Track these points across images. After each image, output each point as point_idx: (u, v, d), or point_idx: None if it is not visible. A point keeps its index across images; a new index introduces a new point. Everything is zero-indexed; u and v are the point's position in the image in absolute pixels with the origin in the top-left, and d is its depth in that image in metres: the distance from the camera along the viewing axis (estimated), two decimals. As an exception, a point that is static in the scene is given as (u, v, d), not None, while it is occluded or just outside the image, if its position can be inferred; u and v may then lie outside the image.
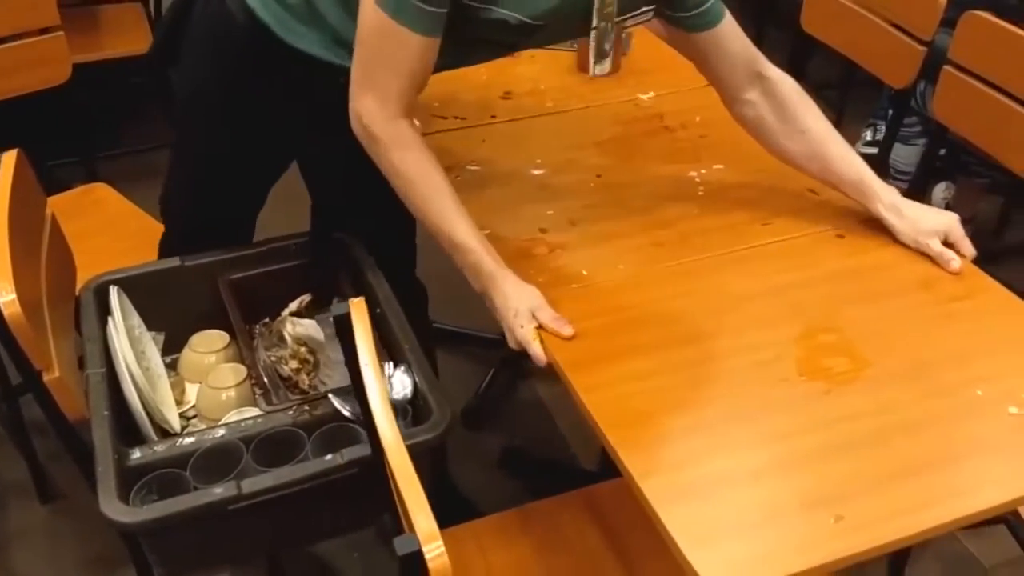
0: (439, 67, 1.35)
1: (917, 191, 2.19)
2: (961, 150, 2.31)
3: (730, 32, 1.45)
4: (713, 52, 1.45)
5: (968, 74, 1.84)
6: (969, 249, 1.39)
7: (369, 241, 1.56)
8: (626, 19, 1.36)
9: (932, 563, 1.89)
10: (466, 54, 1.41)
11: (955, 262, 1.36)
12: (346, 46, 1.31)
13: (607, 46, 1.36)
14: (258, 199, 1.64)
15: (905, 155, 2.76)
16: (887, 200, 1.42)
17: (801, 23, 2.27)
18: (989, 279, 1.36)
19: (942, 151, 2.19)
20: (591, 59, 1.38)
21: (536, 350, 1.24)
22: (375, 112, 1.27)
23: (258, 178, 1.60)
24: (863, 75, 2.20)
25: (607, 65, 1.39)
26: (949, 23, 1.91)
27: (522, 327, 1.26)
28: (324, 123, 1.44)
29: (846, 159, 1.47)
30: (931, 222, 1.40)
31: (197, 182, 1.59)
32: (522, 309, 1.27)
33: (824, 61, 2.35)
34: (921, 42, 1.96)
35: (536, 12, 1.26)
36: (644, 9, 1.36)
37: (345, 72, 1.30)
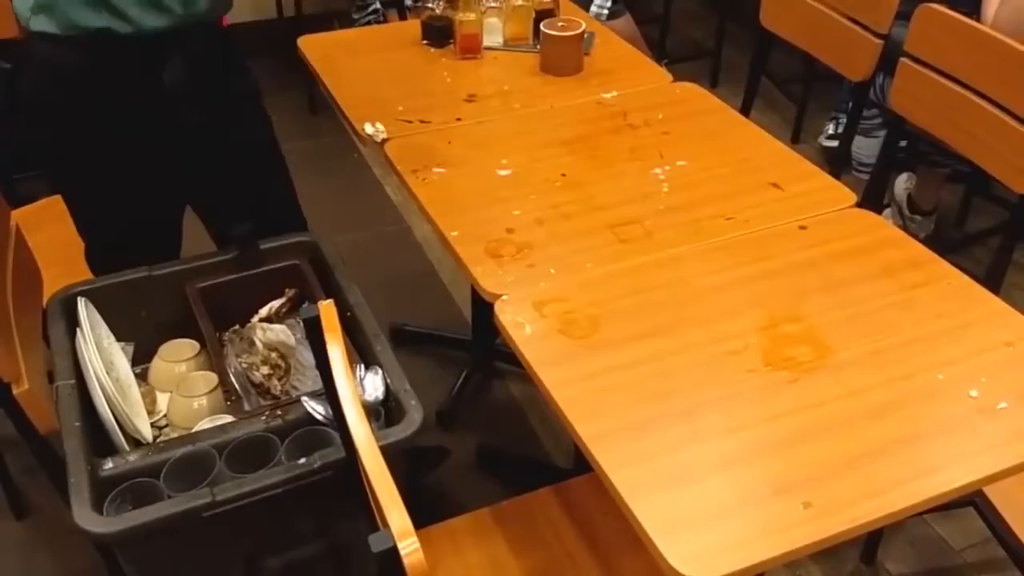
0: None
1: (879, 182, 2.21)
2: (921, 141, 2.35)
3: None
4: None
5: (924, 66, 1.87)
6: None
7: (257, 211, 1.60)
8: None
9: (903, 547, 1.92)
10: None
11: None
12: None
13: None
14: (170, 231, 1.66)
15: (867, 147, 2.80)
16: None
17: (760, 19, 2.30)
18: (949, 266, 1.39)
19: (902, 142, 2.22)
20: None
21: None
22: None
23: (157, 209, 1.62)
24: (824, 69, 2.23)
25: None
26: (905, 16, 1.94)
27: None
28: (180, 101, 1.49)
29: None
30: None
31: (108, 236, 1.62)
32: None
33: (786, 56, 2.38)
34: (878, 35, 1.99)
35: None
36: None
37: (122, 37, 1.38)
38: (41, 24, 1.43)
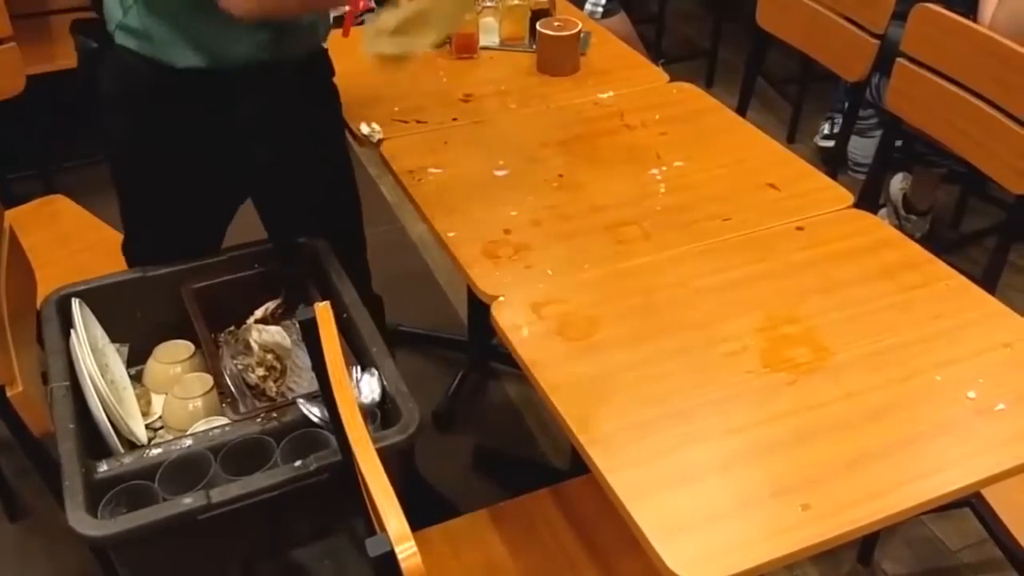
0: None
1: (875, 182, 2.21)
2: (917, 141, 2.35)
3: None
4: None
5: (920, 66, 1.87)
6: None
7: None
8: None
9: (900, 548, 1.91)
10: None
11: None
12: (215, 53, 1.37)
13: None
14: (218, 231, 1.63)
15: (862, 147, 2.80)
16: None
17: (757, 19, 2.29)
18: (946, 267, 1.39)
19: (898, 142, 2.22)
20: None
21: None
22: None
23: (211, 216, 1.60)
24: (820, 69, 2.23)
25: None
26: (901, 16, 1.94)
27: None
28: (251, 137, 1.46)
29: None
30: None
31: (153, 233, 1.58)
32: None
33: (782, 56, 2.38)
34: (874, 35, 1.99)
35: None
36: None
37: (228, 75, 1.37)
38: (125, 40, 1.39)
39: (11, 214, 1.58)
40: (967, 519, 1.61)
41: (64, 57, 2.64)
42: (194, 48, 1.37)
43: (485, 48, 1.96)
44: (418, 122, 1.73)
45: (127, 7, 1.38)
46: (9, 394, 1.20)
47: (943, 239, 2.79)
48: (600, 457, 1.08)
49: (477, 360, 2.31)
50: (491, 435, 2.18)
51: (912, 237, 2.59)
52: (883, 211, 2.78)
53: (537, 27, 1.88)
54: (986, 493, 1.51)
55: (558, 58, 1.88)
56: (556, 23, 1.88)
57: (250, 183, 1.58)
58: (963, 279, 1.36)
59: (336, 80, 1.62)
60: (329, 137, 1.65)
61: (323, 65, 1.59)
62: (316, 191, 1.63)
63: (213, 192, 1.54)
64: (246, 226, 1.65)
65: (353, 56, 1.62)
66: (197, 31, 1.36)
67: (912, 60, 1.89)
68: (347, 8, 1.59)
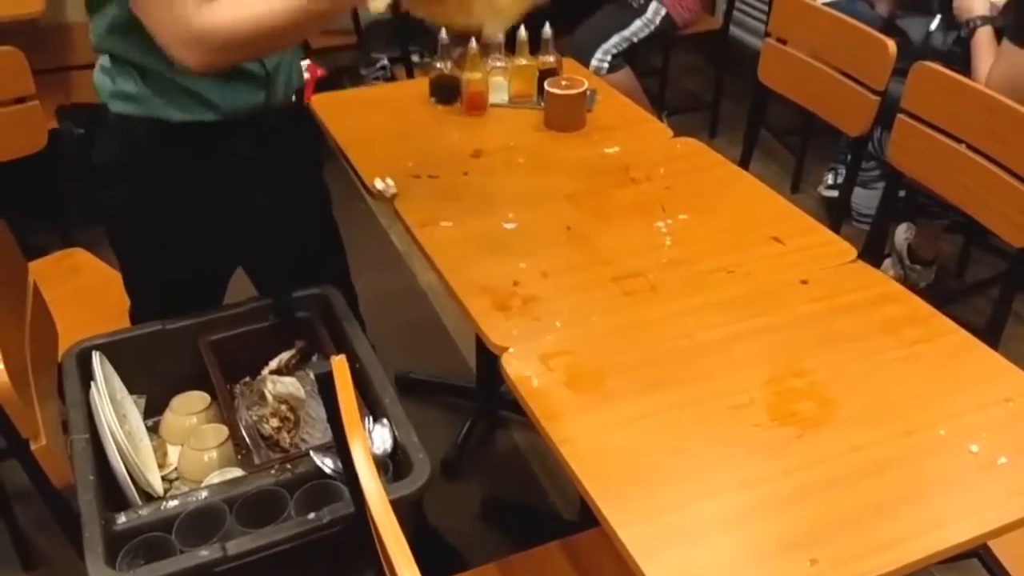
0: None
1: (879, 233, 2.25)
2: (919, 192, 2.38)
3: None
4: None
5: (921, 122, 1.91)
6: None
7: None
8: None
9: (909, 599, 1.91)
10: None
11: None
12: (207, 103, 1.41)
13: None
14: (220, 290, 1.67)
15: (866, 198, 2.83)
16: None
17: (758, 75, 2.34)
18: (949, 322, 1.41)
19: (901, 193, 2.25)
20: None
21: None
22: (199, 20, 1.27)
23: (212, 273, 1.64)
24: (822, 120, 2.27)
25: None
26: (901, 72, 1.99)
27: None
28: (250, 180, 1.51)
29: None
30: None
31: (157, 297, 1.62)
32: None
33: (784, 107, 2.42)
34: (874, 92, 2.03)
35: None
36: None
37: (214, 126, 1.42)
38: (122, 107, 1.43)
39: (32, 267, 1.61)
40: (975, 570, 1.61)
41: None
42: (190, 102, 1.42)
43: (495, 105, 2.01)
44: (430, 177, 1.77)
45: (116, 74, 1.43)
46: (33, 448, 1.23)
47: (948, 289, 2.81)
48: (611, 511, 1.10)
49: (485, 408, 2.33)
50: (500, 484, 2.19)
51: (917, 287, 2.62)
52: (888, 261, 2.81)
53: (545, 86, 1.92)
54: (993, 545, 1.52)
55: (565, 115, 1.93)
56: (563, 82, 1.93)
57: (247, 236, 1.61)
58: (965, 334, 1.38)
59: (349, 139, 1.67)
60: (318, 183, 1.72)
61: (304, 112, 1.66)
62: (310, 241, 1.68)
63: (213, 248, 1.58)
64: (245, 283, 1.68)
65: (365, 116, 1.67)
66: (192, 85, 1.41)
67: (912, 116, 1.93)
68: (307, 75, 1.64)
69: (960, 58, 2.31)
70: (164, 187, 1.48)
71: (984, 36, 2.28)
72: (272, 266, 1.69)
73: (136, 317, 1.66)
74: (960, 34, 2.36)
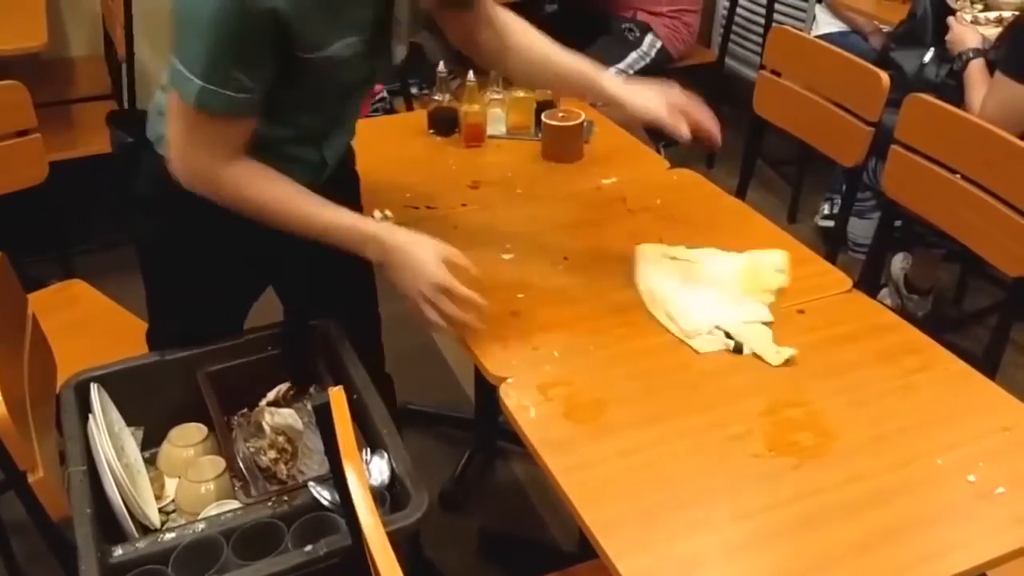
0: (321, 126, 1.48)
1: (875, 263, 2.26)
2: (915, 222, 2.40)
3: None
4: (471, 20, 1.56)
5: (915, 153, 1.93)
6: (702, 114, 1.48)
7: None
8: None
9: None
10: (328, 100, 1.47)
11: (684, 129, 1.44)
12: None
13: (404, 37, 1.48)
14: (244, 315, 1.66)
15: (862, 228, 2.85)
16: (610, 82, 1.53)
17: (753, 107, 2.36)
18: (946, 351, 1.41)
19: (897, 223, 2.27)
20: (394, 47, 1.48)
21: (451, 330, 1.37)
22: (206, 169, 1.33)
23: (238, 302, 1.63)
24: (819, 151, 2.29)
25: (404, 50, 1.51)
26: (895, 103, 2.01)
27: (431, 306, 1.35)
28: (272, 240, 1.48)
29: (570, 59, 1.56)
30: (651, 92, 1.48)
31: (180, 321, 1.59)
32: (425, 287, 1.35)
33: (780, 138, 2.44)
34: (868, 123, 2.05)
35: (355, 35, 1.35)
36: None
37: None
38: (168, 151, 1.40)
39: (31, 298, 1.61)
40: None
41: (85, 144, 2.73)
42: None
43: (493, 137, 2.03)
44: (428, 208, 1.78)
45: None
46: (31, 480, 1.22)
47: (945, 318, 2.82)
48: (609, 543, 1.09)
49: (484, 439, 2.32)
50: (498, 515, 2.18)
51: (915, 316, 2.63)
52: (884, 291, 2.82)
53: (542, 117, 1.94)
54: (991, 575, 1.51)
55: (562, 146, 1.95)
56: (560, 113, 1.95)
57: (276, 264, 1.61)
58: (962, 364, 1.39)
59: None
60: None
61: (350, 154, 1.66)
62: (340, 270, 1.67)
63: (241, 280, 1.58)
64: (259, 305, 1.68)
65: (364, 147, 1.69)
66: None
67: (906, 147, 1.94)
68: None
69: (953, 90, 2.33)
70: (198, 229, 1.46)
71: (976, 68, 2.31)
72: (302, 288, 1.68)
73: (155, 339, 1.65)
74: (953, 67, 2.39)
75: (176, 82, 1.28)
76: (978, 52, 2.34)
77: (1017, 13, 2.28)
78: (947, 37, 2.45)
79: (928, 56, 2.48)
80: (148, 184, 1.48)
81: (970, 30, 2.43)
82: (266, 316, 1.64)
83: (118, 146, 1.53)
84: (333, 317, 1.59)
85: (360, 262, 1.72)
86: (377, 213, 1.70)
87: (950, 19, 2.47)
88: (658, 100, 1.47)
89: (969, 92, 2.28)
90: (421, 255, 1.36)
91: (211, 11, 1.21)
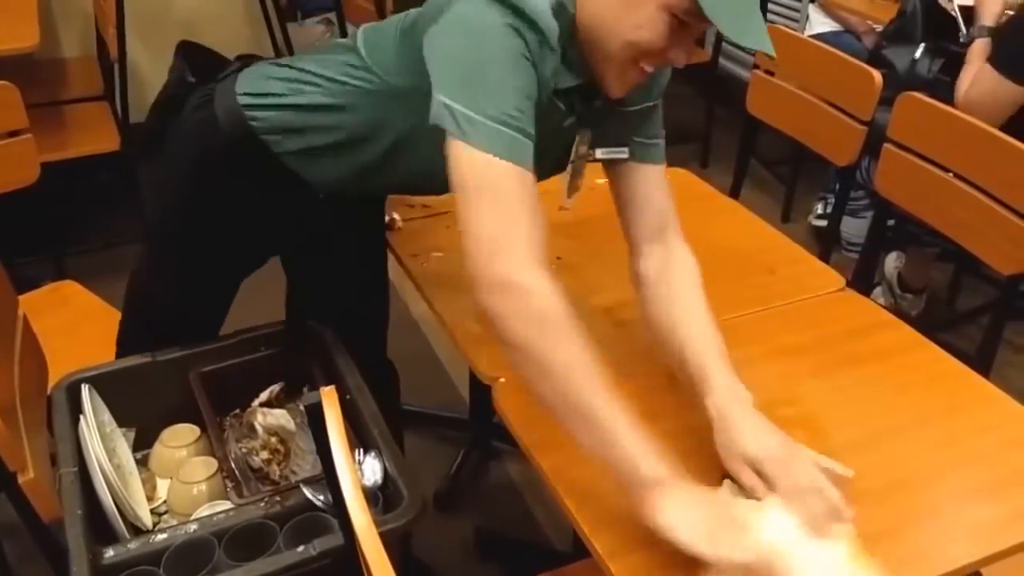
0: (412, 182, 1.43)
1: (869, 262, 2.26)
2: (908, 221, 2.40)
3: (662, 179, 1.38)
4: (641, 191, 1.38)
5: (907, 151, 1.93)
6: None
7: (343, 323, 1.55)
8: (598, 156, 1.36)
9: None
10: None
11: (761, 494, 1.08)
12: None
13: (578, 181, 1.37)
14: (233, 292, 1.63)
15: (855, 227, 2.85)
16: (720, 400, 1.17)
17: (747, 106, 2.36)
18: (939, 349, 1.41)
19: (891, 222, 2.27)
20: (565, 191, 1.39)
21: None
22: (518, 269, 1.07)
23: (236, 273, 1.59)
24: (812, 150, 2.29)
25: (574, 199, 1.40)
26: (887, 101, 2.01)
27: None
28: (309, 221, 1.47)
29: (698, 345, 1.24)
30: (744, 445, 1.12)
31: (172, 283, 1.56)
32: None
33: (774, 137, 2.44)
34: (861, 122, 2.05)
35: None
36: (618, 149, 1.35)
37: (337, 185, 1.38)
38: (263, 125, 1.37)
39: (22, 299, 1.60)
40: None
41: (77, 145, 2.72)
42: (333, 180, 1.40)
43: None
44: (423, 207, 1.78)
45: (309, 114, 1.34)
46: (21, 481, 1.22)
47: (938, 317, 2.82)
48: (601, 541, 1.09)
49: (478, 438, 2.32)
50: (492, 515, 2.18)
51: (908, 315, 2.62)
52: (877, 290, 2.82)
53: (536, 116, 1.93)
54: (985, 572, 1.51)
55: (556, 145, 1.93)
56: (554, 112, 1.93)
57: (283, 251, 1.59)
58: (956, 362, 1.39)
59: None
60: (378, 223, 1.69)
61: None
62: (361, 265, 1.65)
63: (248, 255, 1.54)
64: (248, 308, 1.68)
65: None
66: (352, 177, 1.39)
67: (899, 145, 1.95)
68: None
69: (947, 86, 2.33)
70: (230, 197, 1.42)
71: (980, 48, 2.29)
72: (322, 282, 1.64)
73: (127, 335, 1.62)
74: (959, 45, 2.36)
75: (456, 121, 1.07)
76: (989, 31, 2.31)
77: (1017, 9, 2.27)
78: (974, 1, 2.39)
79: (919, 52, 2.47)
80: (201, 133, 1.40)
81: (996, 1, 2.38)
82: (260, 316, 1.63)
83: (176, 80, 1.44)
84: (346, 298, 1.58)
85: (377, 250, 1.68)
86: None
87: None
88: (740, 454, 1.12)
89: (966, 69, 2.27)
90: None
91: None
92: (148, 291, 1.59)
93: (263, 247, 1.57)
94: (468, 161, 1.08)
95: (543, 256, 1.09)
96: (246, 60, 1.47)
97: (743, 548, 0.99)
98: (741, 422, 1.14)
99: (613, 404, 1.05)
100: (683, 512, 1.00)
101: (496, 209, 1.08)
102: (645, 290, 1.33)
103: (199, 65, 1.45)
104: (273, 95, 1.37)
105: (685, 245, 1.35)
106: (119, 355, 1.59)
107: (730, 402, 1.16)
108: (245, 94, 1.38)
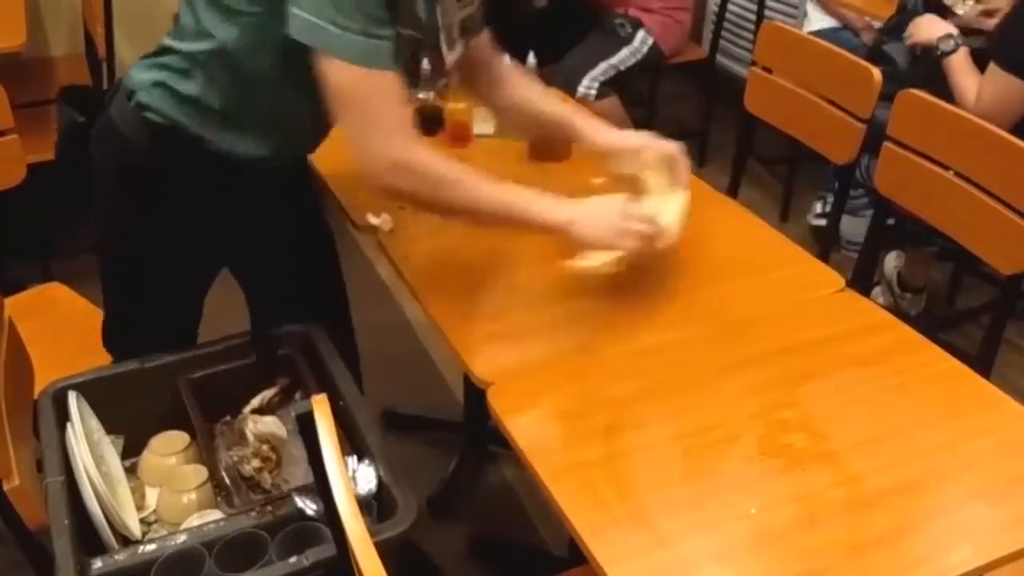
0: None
1: (868, 261, 2.24)
2: (908, 220, 2.38)
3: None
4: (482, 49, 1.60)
5: (907, 149, 1.91)
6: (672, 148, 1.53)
7: (303, 307, 1.60)
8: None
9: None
10: None
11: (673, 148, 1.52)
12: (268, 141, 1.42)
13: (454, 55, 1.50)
14: (197, 309, 1.63)
15: (854, 226, 2.84)
16: (597, 136, 1.61)
17: (744, 104, 2.34)
18: (939, 350, 1.39)
19: (890, 221, 2.25)
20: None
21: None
22: (401, 149, 1.30)
23: (195, 289, 1.60)
24: (811, 149, 2.27)
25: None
26: (888, 97, 1.99)
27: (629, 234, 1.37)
28: (251, 216, 1.49)
29: (555, 107, 1.65)
30: (628, 143, 1.58)
31: (134, 307, 1.58)
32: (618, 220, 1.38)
33: (773, 136, 2.42)
34: (860, 120, 2.03)
35: (415, 24, 1.36)
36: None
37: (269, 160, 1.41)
38: (165, 118, 1.40)
39: (8, 302, 1.58)
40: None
41: (65, 146, 2.69)
42: (253, 145, 1.42)
43: (480, 136, 2.00)
44: (414, 209, 1.75)
45: (200, 89, 1.37)
46: (6, 488, 1.20)
47: (939, 316, 2.81)
48: (598, 548, 1.07)
49: (474, 443, 2.30)
50: (488, 520, 2.16)
51: (908, 314, 2.61)
52: (877, 289, 2.80)
53: (530, 115, 1.91)
54: (990, 577, 1.49)
55: (550, 145, 1.92)
56: (549, 111, 1.92)
57: (232, 262, 1.60)
58: (957, 363, 1.37)
59: (333, 171, 1.66)
60: (315, 221, 1.71)
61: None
62: (304, 274, 1.67)
63: (200, 255, 1.55)
64: (229, 316, 1.65)
65: (349, 148, 1.66)
66: (271, 131, 1.43)
67: (898, 143, 1.93)
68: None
69: (946, 81, 2.31)
70: (173, 203, 1.45)
71: (962, 58, 2.27)
72: (267, 293, 1.66)
73: (110, 335, 1.63)
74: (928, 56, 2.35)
75: (332, 46, 1.22)
76: (955, 42, 2.30)
77: (1010, 6, 2.25)
78: (907, 32, 2.42)
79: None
80: (115, 148, 1.45)
81: (933, 20, 2.40)
82: (232, 324, 1.61)
83: (68, 125, 1.49)
84: (302, 305, 1.59)
85: (330, 267, 1.69)
86: (373, 217, 1.67)
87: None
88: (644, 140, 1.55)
89: (959, 82, 2.25)
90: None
91: None
92: (119, 333, 1.63)
93: (206, 257, 1.57)
94: (338, 73, 1.25)
95: (415, 133, 1.36)
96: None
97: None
98: (617, 137, 1.60)
99: (513, 190, 1.37)
100: (591, 219, 1.37)
101: (374, 111, 1.29)
102: (488, 96, 1.63)
103: (84, 104, 1.51)
104: (155, 83, 1.40)
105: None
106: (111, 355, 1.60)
107: (598, 131, 1.61)
108: (136, 101, 1.41)
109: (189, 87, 1.38)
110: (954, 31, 2.33)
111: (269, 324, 1.59)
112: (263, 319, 1.67)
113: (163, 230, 1.47)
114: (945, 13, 2.48)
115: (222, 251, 1.58)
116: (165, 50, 1.42)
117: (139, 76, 1.43)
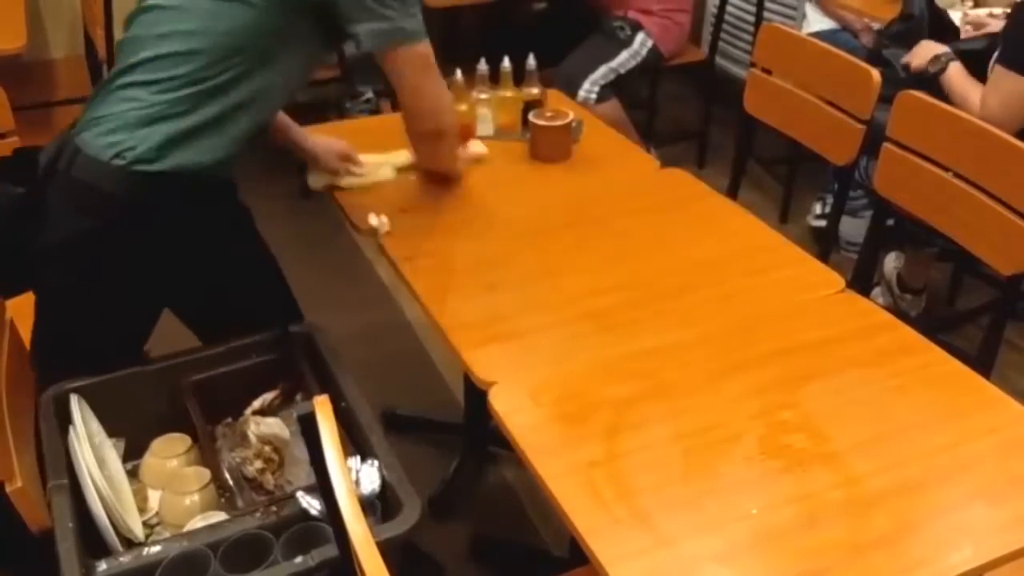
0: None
1: (868, 262, 2.24)
2: (907, 221, 2.38)
3: None
4: None
5: (907, 150, 1.91)
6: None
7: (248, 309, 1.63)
8: None
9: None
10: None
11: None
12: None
13: None
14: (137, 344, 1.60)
15: (854, 227, 2.83)
16: (308, 141, 1.80)
17: (744, 106, 2.35)
18: (939, 351, 1.40)
19: (890, 222, 2.25)
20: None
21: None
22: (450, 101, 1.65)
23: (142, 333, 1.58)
24: (810, 150, 2.27)
25: None
26: (887, 99, 1.99)
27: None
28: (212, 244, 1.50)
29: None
30: (328, 146, 1.80)
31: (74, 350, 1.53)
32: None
33: (772, 137, 2.42)
34: (860, 121, 2.03)
35: None
36: None
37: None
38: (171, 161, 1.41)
39: (8, 304, 1.58)
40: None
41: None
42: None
43: (481, 137, 2.00)
44: (416, 210, 1.76)
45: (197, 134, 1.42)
46: (8, 490, 1.20)
47: (938, 317, 2.81)
48: (600, 548, 1.08)
49: (474, 444, 2.30)
50: (489, 522, 2.16)
51: (908, 315, 2.61)
52: (877, 290, 2.80)
53: (529, 118, 1.92)
54: (990, 577, 1.49)
55: (550, 146, 1.92)
56: (548, 113, 1.92)
57: (185, 290, 1.58)
58: (957, 363, 1.37)
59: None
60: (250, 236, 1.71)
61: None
62: (248, 290, 1.67)
63: (145, 311, 1.55)
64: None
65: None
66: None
67: (898, 144, 1.93)
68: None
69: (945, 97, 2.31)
70: (121, 258, 1.44)
71: (958, 70, 2.28)
72: (210, 315, 1.65)
73: (40, 363, 1.57)
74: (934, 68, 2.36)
75: (404, 32, 1.47)
76: (944, 59, 2.31)
77: (1010, 9, 2.25)
78: (904, 59, 2.43)
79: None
80: (70, 221, 1.42)
81: (928, 46, 2.41)
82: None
83: (8, 200, 1.44)
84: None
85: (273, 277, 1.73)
86: (373, 218, 1.67)
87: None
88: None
89: (960, 92, 2.26)
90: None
91: None
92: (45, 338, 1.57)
93: (162, 301, 1.57)
94: (409, 53, 1.51)
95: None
96: (61, 136, 1.47)
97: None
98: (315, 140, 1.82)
99: None
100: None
101: (437, 70, 1.57)
102: None
103: (14, 173, 1.47)
104: (132, 123, 1.41)
105: None
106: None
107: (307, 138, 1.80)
108: (112, 152, 1.40)
109: (190, 121, 1.42)
110: (943, 50, 2.33)
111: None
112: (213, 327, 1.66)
113: (125, 285, 1.46)
114: (946, 32, 2.49)
115: (177, 291, 1.57)
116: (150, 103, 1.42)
117: (129, 135, 1.41)
